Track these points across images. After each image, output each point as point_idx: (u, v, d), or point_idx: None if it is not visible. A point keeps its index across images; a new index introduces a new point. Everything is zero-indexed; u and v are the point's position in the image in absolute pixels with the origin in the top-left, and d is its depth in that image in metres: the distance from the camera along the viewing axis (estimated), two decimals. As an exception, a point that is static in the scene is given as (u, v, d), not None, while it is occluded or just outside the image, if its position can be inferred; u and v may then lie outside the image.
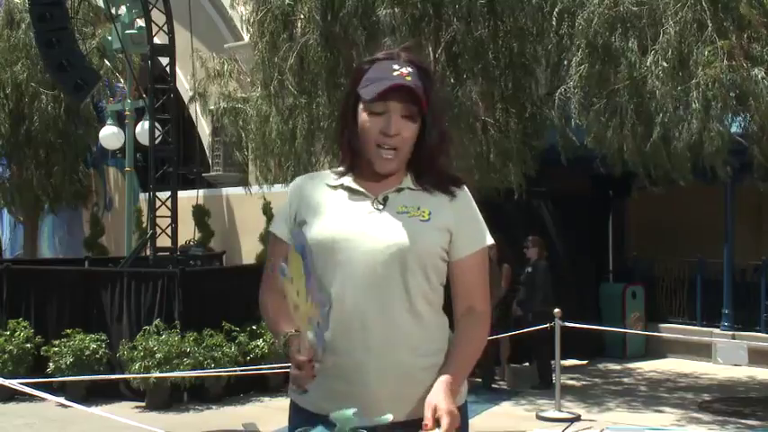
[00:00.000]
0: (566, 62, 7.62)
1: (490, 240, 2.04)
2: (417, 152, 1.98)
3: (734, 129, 7.25)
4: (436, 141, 1.98)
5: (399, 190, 1.98)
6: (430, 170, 1.99)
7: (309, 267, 1.75)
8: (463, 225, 1.99)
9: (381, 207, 1.95)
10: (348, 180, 1.99)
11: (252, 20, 8.99)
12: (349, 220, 1.94)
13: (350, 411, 1.76)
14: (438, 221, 1.95)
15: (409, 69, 1.93)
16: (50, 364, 8.20)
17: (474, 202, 2.05)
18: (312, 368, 1.79)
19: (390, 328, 1.89)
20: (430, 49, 8.31)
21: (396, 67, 1.93)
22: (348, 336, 1.88)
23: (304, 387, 1.83)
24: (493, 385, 9.04)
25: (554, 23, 7.46)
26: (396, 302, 1.90)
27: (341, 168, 2.03)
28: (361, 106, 1.96)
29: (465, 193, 2.03)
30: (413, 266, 1.91)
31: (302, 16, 8.42)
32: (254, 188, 11.26)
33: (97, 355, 8.26)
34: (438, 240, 1.95)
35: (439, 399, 1.78)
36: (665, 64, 6.56)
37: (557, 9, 7.39)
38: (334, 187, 2.00)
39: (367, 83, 1.94)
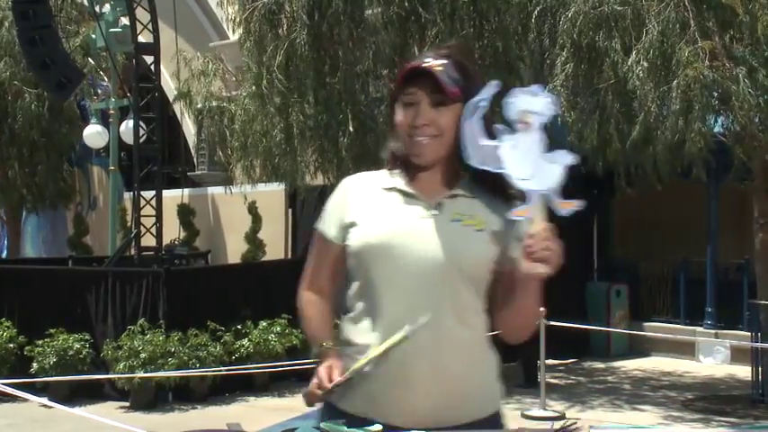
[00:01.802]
0: (548, 62, 7.65)
1: None
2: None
3: (717, 128, 7.30)
4: None
5: (454, 196, 1.94)
6: (485, 173, 1.92)
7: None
8: (516, 235, 1.94)
9: (436, 212, 1.92)
10: (401, 183, 1.96)
11: (238, 18, 8.97)
12: (402, 225, 1.91)
13: (339, 422, 1.79)
14: (492, 232, 1.92)
15: (442, 62, 1.91)
16: (34, 365, 8.15)
17: None
18: (331, 393, 1.84)
19: (440, 336, 1.87)
20: (416, 48, 8.33)
21: (428, 60, 1.93)
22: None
23: (314, 404, 1.88)
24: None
25: (538, 23, 7.49)
26: (446, 311, 1.88)
27: (394, 169, 1.99)
28: (397, 104, 1.95)
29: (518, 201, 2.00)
30: (464, 277, 1.89)
31: (289, 15, 8.42)
32: (235, 189, 11.28)
33: (81, 355, 8.21)
34: (489, 251, 1.92)
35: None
36: (645, 64, 6.60)
37: (540, 8, 7.42)
38: (388, 189, 1.96)
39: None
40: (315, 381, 1.87)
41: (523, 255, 1.76)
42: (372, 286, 1.91)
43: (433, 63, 1.91)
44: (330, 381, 1.85)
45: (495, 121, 1.83)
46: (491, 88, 1.83)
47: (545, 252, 1.74)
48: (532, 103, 1.78)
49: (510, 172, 1.77)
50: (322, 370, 1.87)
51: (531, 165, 1.76)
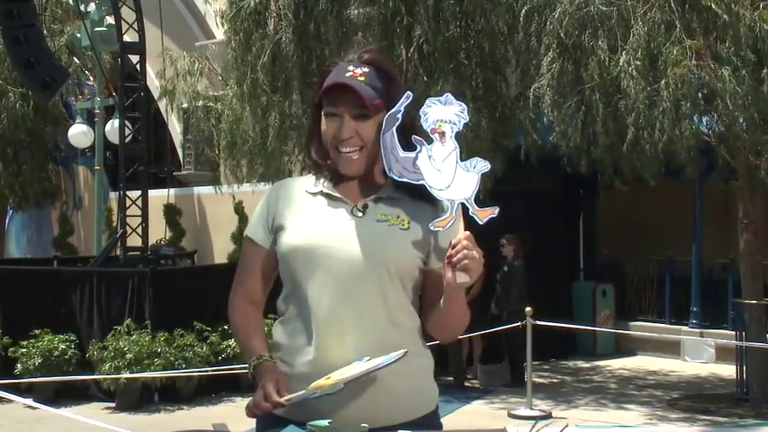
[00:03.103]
0: (532, 62, 7.67)
1: None
2: None
3: (702, 128, 7.35)
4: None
5: (379, 198, 1.95)
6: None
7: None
8: (442, 235, 1.96)
9: (361, 214, 1.93)
10: (327, 186, 1.97)
11: (224, 17, 8.95)
12: (328, 227, 1.92)
13: (324, 422, 1.78)
14: (417, 230, 1.93)
15: (365, 70, 1.92)
16: (18, 365, 8.10)
17: None
18: (277, 407, 1.84)
19: (367, 335, 1.88)
20: (402, 48, 8.34)
21: (350, 68, 1.92)
22: (325, 343, 1.88)
23: (257, 415, 1.89)
24: (465, 384, 9.09)
25: (524, 23, 7.51)
26: (374, 310, 1.89)
27: (320, 174, 2.00)
28: (322, 111, 1.96)
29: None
30: (392, 275, 1.90)
31: (275, 14, 8.40)
32: (225, 188, 11.22)
33: (66, 356, 8.17)
34: (416, 250, 1.93)
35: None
36: (637, 63, 6.63)
37: (526, 8, 7.43)
38: (314, 194, 1.98)
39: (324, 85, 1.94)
40: (261, 393, 1.86)
41: (445, 264, 1.81)
42: (300, 289, 1.92)
43: (356, 72, 1.91)
44: (279, 395, 1.84)
45: (417, 131, 1.87)
46: (405, 99, 1.85)
47: (466, 261, 1.79)
48: (445, 112, 1.82)
49: (428, 183, 1.83)
50: (269, 384, 1.86)
51: (448, 174, 1.82)
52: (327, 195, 1.97)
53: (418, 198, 1.94)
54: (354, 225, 1.92)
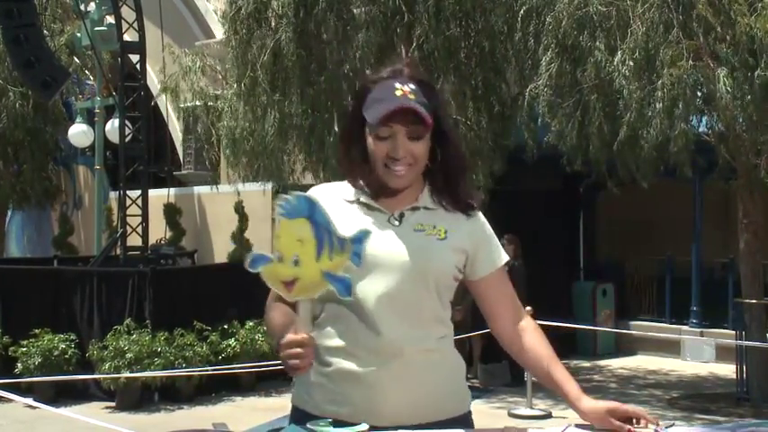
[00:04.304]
0: (530, 61, 7.68)
1: (507, 257, 2.08)
2: (434, 168, 1.98)
3: (701, 128, 7.35)
4: (453, 160, 1.98)
5: (415, 208, 1.97)
6: (448, 189, 1.99)
7: (325, 222, 1.73)
8: (482, 244, 2.01)
9: (397, 223, 1.95)
10: (364, 196, 1.98)
11: (224, 16, 8.96)
12: None
13: (325, 422, 1.80)
14: (454, 241, 1.96)
15: (412, 87, 1.91)
16: (18, 365, 8.10)
17: (487, 222, 2.07)
18: (310, 349, 1.76)
19: (404, 338, 1.91)
20: (402, 47, 8.35)
21: (398, 85, 1.91)
22: (364, 343, 1.90)
23: (303, 371, 1.79)
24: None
25: (523, 23, 7.52)
26: (412, 317, 1.92)
27: (356, 185, 1.99)
28: (367, 129, 1.94)
29: (479, 213, 2.05)
30: (428, 285, 1.93)
31: (275, 13, 8.40)
32: (225, 187, 11.23)
33: (66, 356, 8.18)
34: (453, 260, 1.97)
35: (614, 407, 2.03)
36: (631, 63, 6.63)
37: (525, 8, 7.44)
38: (350, 202, 1.98)
39: (371, 103, 1.92)
40: (289, 356, 1.75)
41: (615, 421, 2.02)
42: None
43: (405, 90, 1.90)
44: (296, 332, 1.76)
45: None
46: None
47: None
48: None
49: None
50: (287, 331, 1.77)
51: None
52: (364, 204, 1.97)
53: (453, 208, 1.98)
54: (392, 234, 1.94)
